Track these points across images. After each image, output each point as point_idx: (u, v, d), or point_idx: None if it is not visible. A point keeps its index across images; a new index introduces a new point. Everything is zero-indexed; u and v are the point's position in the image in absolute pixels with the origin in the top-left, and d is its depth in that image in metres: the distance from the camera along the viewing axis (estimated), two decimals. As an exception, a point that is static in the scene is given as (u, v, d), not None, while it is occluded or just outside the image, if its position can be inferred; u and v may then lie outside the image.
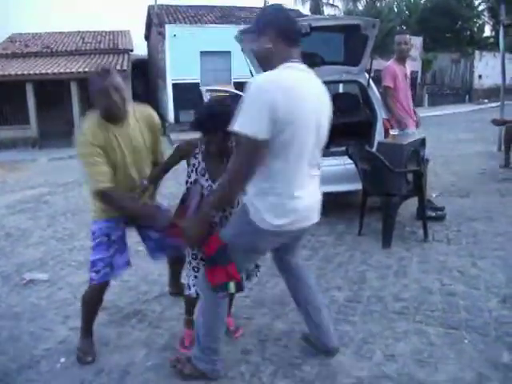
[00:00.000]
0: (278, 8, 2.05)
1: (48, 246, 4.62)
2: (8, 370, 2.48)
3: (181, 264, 2.95)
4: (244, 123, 1.82)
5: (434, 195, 5.25)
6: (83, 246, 4.33)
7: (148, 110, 2.62)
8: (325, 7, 29.46)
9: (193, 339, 2.46)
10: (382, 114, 4.79)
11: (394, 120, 4.63)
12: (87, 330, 2.60)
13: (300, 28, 2.02)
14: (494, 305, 2.92)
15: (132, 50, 19.03)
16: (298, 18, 3.79)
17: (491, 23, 30.67)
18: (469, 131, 12.04)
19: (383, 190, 4.10)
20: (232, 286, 2.10)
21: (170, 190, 5.52)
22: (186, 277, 2.49)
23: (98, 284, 2.48)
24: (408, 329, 2.70)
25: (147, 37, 23.13)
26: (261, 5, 21.17)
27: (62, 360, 2.54)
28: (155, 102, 18.75)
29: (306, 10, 27.30)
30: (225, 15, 19.10)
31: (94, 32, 21.08)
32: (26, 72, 15.58)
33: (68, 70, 15.67)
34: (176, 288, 3.14)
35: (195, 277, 2.40)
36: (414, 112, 4.89)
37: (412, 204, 4.50)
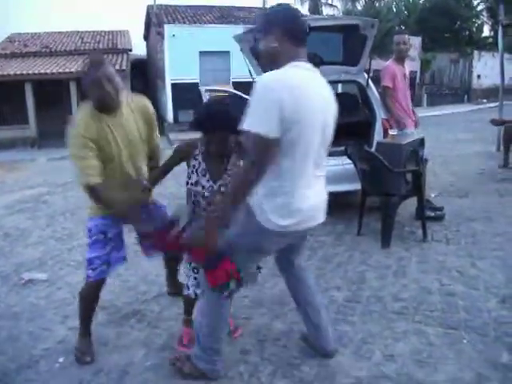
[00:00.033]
0: (286, 7, 2.05)
1: (47, 245, 4.61)
2: (7, 369, 2.48)
3: (176, 261, 2.95)
4: (254, 122, 1.81)
5: (432, 195, 5.25)
6: (82, 246, 4.31)
7: (143, 101, 2.59)
8: (323, 7, 29.54)
9: (191, 337, 2.46)
10: (380, 114, 4.79)
11: (393, 120, 4.63)
12: (85, 328, 2.59)
13: (307, 28, 2.01)
14: (493, 305, 2.92)
15: (131, 50, 19.04)
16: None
17: (490, 23, 30.76)
18: (468, 131, 12.05)
19: (382, 189, 4.10)
20: (233, 285, 2.10)
21: (170, 190, 5.53)
22: (186, 277, 2.49)
23: (94, 281, 2.48)
24: (407, 329, 2.70)
25: (146, 37, 23.13)
26: (260, 5, 21.21)
27: (61, 360, 2.54)
28: (154, 101, 18.55)
29: (304, 9, 27.35)
30: (224, 15, 19.11)
31: (93, 32, 21.10)
32: (24, 72, 15.59)
33: (67, 70, 15.69)
34: (174, 288, 3.14)
35: (195, 278, 2.40)
36: (413, 112, 4.90)
37: (411, 204, 4.51)
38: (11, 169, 10.65)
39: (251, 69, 5.08)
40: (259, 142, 1.81)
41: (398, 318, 2.83)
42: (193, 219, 2.35)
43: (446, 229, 4.38)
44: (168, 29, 16.86)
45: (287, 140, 1.86)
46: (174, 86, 17.00)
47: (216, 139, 2.26)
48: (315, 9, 28.08)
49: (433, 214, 4.56)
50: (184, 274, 2.59)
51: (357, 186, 4.43)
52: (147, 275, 3.63)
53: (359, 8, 27.90)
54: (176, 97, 16.91)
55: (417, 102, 20.18)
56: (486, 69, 26.52)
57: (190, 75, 16.85)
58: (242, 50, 4.88)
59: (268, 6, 20.32)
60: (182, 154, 2.44)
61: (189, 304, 2.58)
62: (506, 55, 11.49)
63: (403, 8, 29.83)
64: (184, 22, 17.72)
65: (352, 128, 5.26)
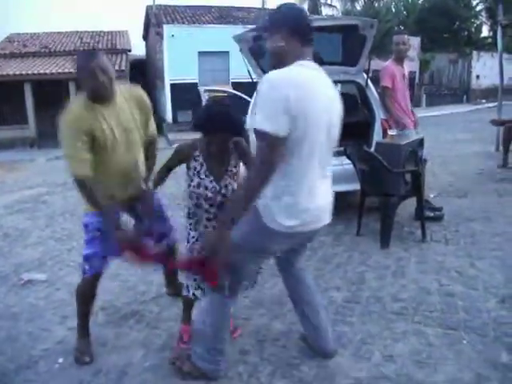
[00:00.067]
0: (292, 7, 2.05)
1: (46, 246, 4.61)
2: (6, 370, 2.48)
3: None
4: (263, 121, 1.81)
5: (432, 195, 5.25)
6: (82, 247, 4.30)
7: (138, 90, 2.58)
8: (323, 7, 29.59)
9: (191, 335, 2.46)
10: (380, 115, 4.79)
11: (393, 120, 4.63)
12: (84, 328, 2.59)
13: (313, 28, 2.01)
14: (492, 305, 2.92)
15: (130, 50, 19.03)
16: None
17: (489, 23, 30.76)
18: (467, 131, 12.06)
19: (381, 190, 4.11)
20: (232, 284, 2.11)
21: (170, 190, 5.52)
22: (185, 278, 2.48)
23: (90, 275, 2.48)
24: (406, 329, 2.70)
25: (145, 37, 23.11)
26: (259, 5, 21.21)
27: (60, 360, 2.54)
28: (153, 102, 18.31)
29: (304, 10, 27.30)
30: (223, 15, 19.11)
31: (92, 32, 21.10)
32: (24, 72, 15.58)
33: (66, 70, 15.66)
34: (173, 289, 3.14)
35: (194, 279, 2.40)
36: (412, 112, 4.90)
37: (410, 204, 4.51)
38: (10, 169, 10.64)
39: (250, 69, 5.08)
40: (269, 140, 1.80)
41: (397, 319, 2.83)
42: (200, 233, 2.41)
43: (445, 229, 4.39)
44: (167, 29, 16.86)
45: (293, 138, 1.85)
46: (173, 86, 16.99)
47: (217, 140, 2.26)
48: (314, 9, 28.10)
49: (432, 215, 4.56)
50: (183, 274, 2.59)
51: (356, 186, 4.43)
52: (146, 275, 3.62)
53: (358, 8, 27.95)
54: (175, 97, 16.91)
55: (416, 103, 20.17)
56: (484, 69, 26.52)
57: (189, 75, 16.85)
58: (241, 50, 4.87)
59: (267, 6, 20.37)
60: (182, 156, 2.43)
61: (188, 305, 2.58)
62: (505, 55, 11.48)
63: (402, 8, 29.87)
64: (183, 23, 17.72)
65: (351, 128, 5.23)
